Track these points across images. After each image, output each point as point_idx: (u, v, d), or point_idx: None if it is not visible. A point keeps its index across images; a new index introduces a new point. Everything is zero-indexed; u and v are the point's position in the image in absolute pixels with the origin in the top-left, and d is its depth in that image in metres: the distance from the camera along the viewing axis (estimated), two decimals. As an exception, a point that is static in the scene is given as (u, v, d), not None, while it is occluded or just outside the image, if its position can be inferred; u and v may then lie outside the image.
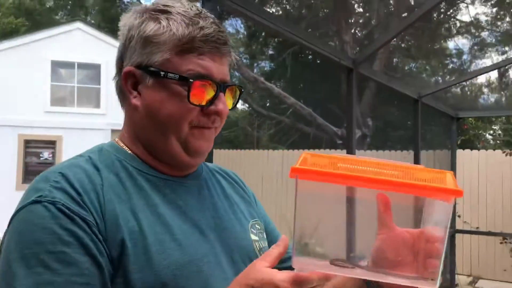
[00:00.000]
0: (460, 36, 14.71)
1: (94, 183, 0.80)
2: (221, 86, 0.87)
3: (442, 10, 13.53)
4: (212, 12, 0.94)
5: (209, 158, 1.10)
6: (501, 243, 6.54)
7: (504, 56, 14.65)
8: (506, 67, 14.48)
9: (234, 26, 16.74)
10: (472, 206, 7.32)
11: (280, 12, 13.09)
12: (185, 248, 0.82)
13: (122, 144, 0.91)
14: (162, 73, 0.83)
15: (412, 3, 14.93)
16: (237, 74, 15.92)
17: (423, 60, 15.80)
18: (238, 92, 0.94)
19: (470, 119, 9.64)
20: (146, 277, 0.76)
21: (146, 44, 0.85)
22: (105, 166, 0.84)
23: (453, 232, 6.04)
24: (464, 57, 15.15)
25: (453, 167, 6.06)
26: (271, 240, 1.02)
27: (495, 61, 15.03)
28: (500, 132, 14.22)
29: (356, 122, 3.08)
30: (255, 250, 0.94)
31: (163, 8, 0.86)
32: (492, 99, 18.30)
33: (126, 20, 0.88)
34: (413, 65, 16.74)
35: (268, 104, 17.45)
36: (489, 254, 7.22)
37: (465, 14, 16.48)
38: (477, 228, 7.03)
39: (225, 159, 10.07)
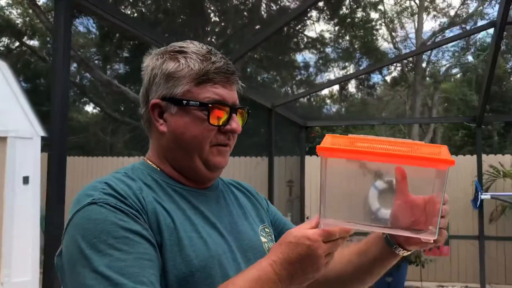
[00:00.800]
0: (307, 51, 15.86)
1: (133, 190, 0.95)
2: (233, 109, 1.04)
3: (291, 25, 14.47)
4: (63, 10, 0.86)
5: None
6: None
7: (344, 71, 16.22)
8: (346, 81, 16.08)
9: (85, 25, 15.80)
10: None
11: (136, 14, 12.71)
12: (208, 244, 0.97)
13: (150, 162, 1.08)
14: (184, 101, 1.01)
15: (265, 16, 15.68)
16: (88, 76, 15.04)
17: (275, 71, 16.72)
18: (246, 113, 1.11)
19: (317, 127, 10.42)
20: (177, 265, 0.92)
21: (169, 79, 1.02)
22: (139, 178, 1.00)
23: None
24: (311, 70, 16.37)
25: (302, 172, 6.48)
26: (287, 228, 1.19)
27: (337, 75, 16.59)
28: (341, 139, 15.63)
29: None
30: (265, 251, 1.08)
31: (180, 49, 1.05)
32: (334, 109, 20.11)
33: (148, 62, 1.08)
34: (266, 75, 17.61)
35: (123, 109, 16.78)
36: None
37: (312, 31, 17.84)
38: (323, 228, 7.60)
39: (75, 166, 9.40)
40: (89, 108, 19.81)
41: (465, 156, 8.27)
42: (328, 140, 0.87)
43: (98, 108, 16.62)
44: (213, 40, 16.13)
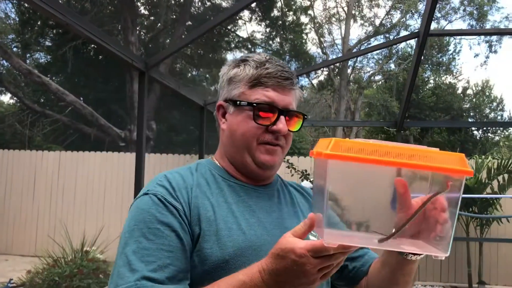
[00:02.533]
0: (238, 50, 15.93)
1: (187, 183, 1.10)
2: (282, 111, 1.13)
3: (223, 24, 14.45)
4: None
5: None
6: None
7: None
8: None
9: (3, 10, 14.82)
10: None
11: (61, 1, 12.09)
12: (247, 236, 1.06)
13: (215, 160, 1.22)
14: (238, 102, 1.14)
15: (195, 13, 15.54)
16: (5, 63, 14.06)
17: (205, 69, 16.62)
18: (300, 117, 1.18)
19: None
20: (214, 252, 1.02)
21: (230, 83, 1.17)
22: (199, 173, 1.16)
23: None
24: (241, 69, 16.41)
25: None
26: None
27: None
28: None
29: (145, 124, 3.03)
30: None
31: (245, 58, 1.18)
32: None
33: (223, 71, 1.21)
34: (197, 73, 17.46)
35: (43, 100, 15.86)
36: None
37: (243, 31, 17.99)
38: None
39: (-12, 159, 8.78)
40: (5, 98, 18.58)
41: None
42: (340, 145, 0.79)
43: (15, 98, 15.60)
44: (142, 33, 15.74)
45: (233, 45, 15.82)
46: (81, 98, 14.24)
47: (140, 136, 3.03)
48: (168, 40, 15.01)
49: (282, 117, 1.13)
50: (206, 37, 13.84)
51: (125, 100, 12.32)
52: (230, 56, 16.59)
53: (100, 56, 14.50)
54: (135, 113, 9.91)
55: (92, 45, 13.94)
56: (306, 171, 6.79)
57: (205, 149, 4.99)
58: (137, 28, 13.86)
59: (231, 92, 1.16)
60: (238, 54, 16.94)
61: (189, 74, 17.07)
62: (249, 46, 15.73)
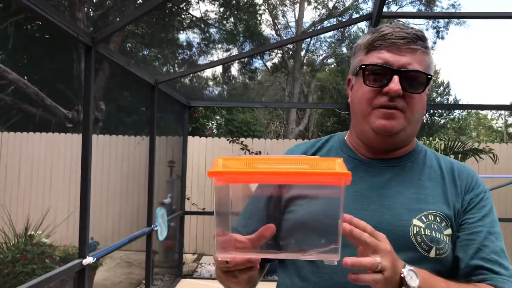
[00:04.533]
0: (190, 30, 15.60)
1: (310, 150, 1.22)
2: (396, 71, 1.05)
3: (175, 1, 14.09)
4: None
5: None
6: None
7: (228, 53, 16.27)
8: (230, 63, 16.18)
9: None
10: (200, 189, 7.89)
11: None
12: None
13: (346, 132, 1.26)
14: (354, 70, 1.13)
15: (148, -10, 15.03)
16: None
17: (157, 49, 16.20)
18: (423, 76, 1.07)
19: (200, 108, 10.35)
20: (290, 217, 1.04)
21: (353, 55, 1.17)
22: (329, 145, 1.24)
23: (182, 214, 6.38)
24: (194, 50, 16.15)
25: (184, 153, 6.38)
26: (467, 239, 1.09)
27: (220, 57, 16.59)
28: (222, 122, 15.75)
29: (93, 105, 2.87)
30: (410, 232, 1.05)
31: (373, 30, 1.12)
32: (216, 92, 20.18)
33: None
34: (147, 52, 16.99)
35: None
36: (212, 232, 7.92)
37: (196, 10, 17.61)
38: (203, 209, 7.62)
39: None
40: None
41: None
42: (221, 163, 0.79)
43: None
44: (90, 10, 15.10)
45: (185, 25, 15.47)
46: (25, 77, 13.54)
47: (87, 116, 2.87)
48: (118, 19, 14.48)
49: (395, 77, 1.05)
50: (158, 15, 13.46)
51: (72, 80, 11.82)
52: (182, 36, 16.26)
53: (45, 34, 13.81)
54: (83, 93, 9.51)
55: (37, 21, 13.26)
56: (260, 152, 6.78)
57: (156, 130, 4.84)
58: (85, 5, 13.26)
59: (353, 63, 1.16)
60: (191, 34, 16.63)
61: (140, 54, 16.59)
62: (202, 26, 15.43)
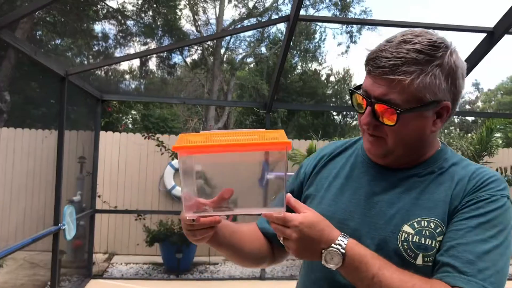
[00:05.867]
0: (107, 21, 15.01)
1: (328, 155, 1.29)
2: (369, 101, 1.05)
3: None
4: None
5: None
6: (135, 219, 7.03)
7: (145, 47, 15.86)
8: (148, 57, 15.76)
9: None
10: (112, 186, 7.61)
11: None
12: (336, 207, 1.17)
13: None
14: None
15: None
16: None
17: (70, 38, 15.39)
18: (396, 112, 1.02)
19: (114, 102, 9.98)
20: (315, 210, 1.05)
21: None
22: (352, 149, 1.27)
23: (93, 212, 6.12)
24: (110, 42, 15.55)
25: (96, 148, 6.13)
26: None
27: (137, 50, 16.12)
28: (138, 117, 15.32)
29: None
30: (398, 239, 1.06)
31: (374, 47, 1.10)
32: (133, 86, 19.59)
33: None
34: (59, 41, 16.09)
35: None
36: (124, 231, 7.68)
37: (113, 0, 16.89)
38: (115, 207, 7.36)
39: None
40: None
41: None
42: (184, 138, 0.96)
43: None
44: (-5, -7, 13.99)
45: (101, 15, 14.85)
46: None
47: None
48: (27, 4, 13.57)
49: (368, 109, 1.06)
50: (72, 4, 12.80)
51: (-27, 68, 10.88)
52: (98, 27, 15.58)
53: None
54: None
55: None
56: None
57: (66, 123, 4.60)
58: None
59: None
60: (107, 26, 16.00)
61: (52, 43, 15.67)
62: (120, 17, 14.91)
